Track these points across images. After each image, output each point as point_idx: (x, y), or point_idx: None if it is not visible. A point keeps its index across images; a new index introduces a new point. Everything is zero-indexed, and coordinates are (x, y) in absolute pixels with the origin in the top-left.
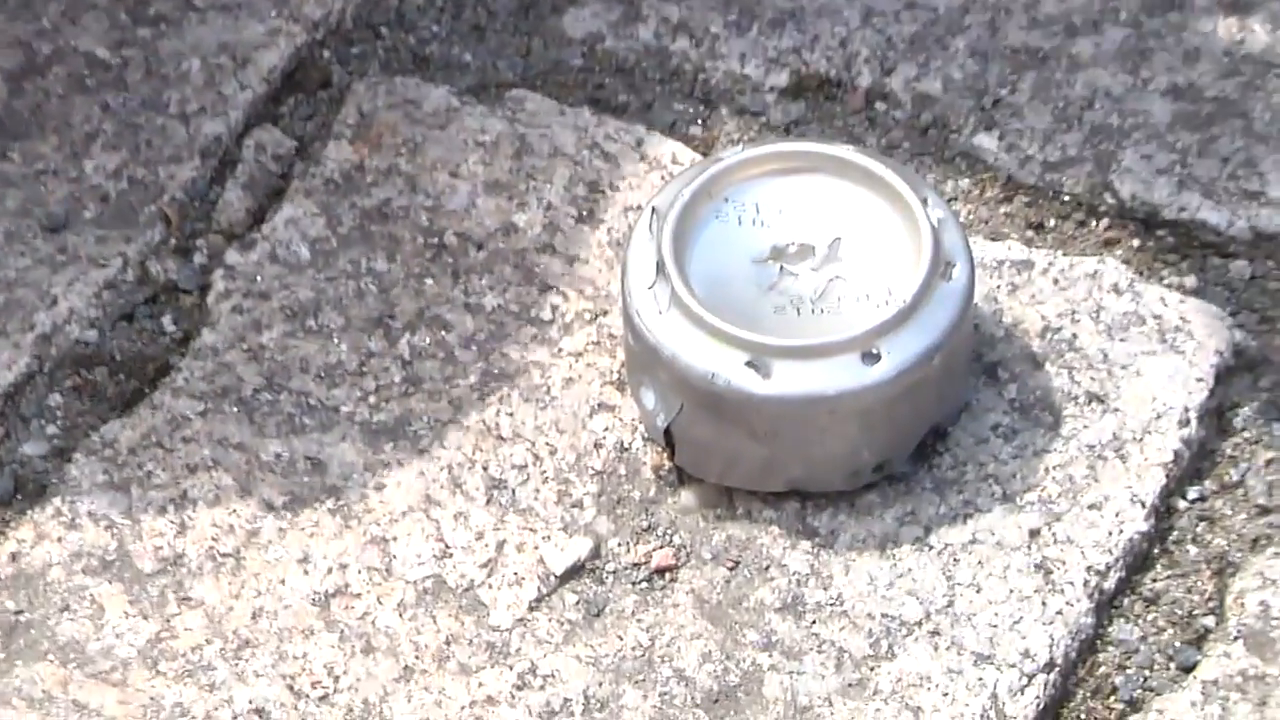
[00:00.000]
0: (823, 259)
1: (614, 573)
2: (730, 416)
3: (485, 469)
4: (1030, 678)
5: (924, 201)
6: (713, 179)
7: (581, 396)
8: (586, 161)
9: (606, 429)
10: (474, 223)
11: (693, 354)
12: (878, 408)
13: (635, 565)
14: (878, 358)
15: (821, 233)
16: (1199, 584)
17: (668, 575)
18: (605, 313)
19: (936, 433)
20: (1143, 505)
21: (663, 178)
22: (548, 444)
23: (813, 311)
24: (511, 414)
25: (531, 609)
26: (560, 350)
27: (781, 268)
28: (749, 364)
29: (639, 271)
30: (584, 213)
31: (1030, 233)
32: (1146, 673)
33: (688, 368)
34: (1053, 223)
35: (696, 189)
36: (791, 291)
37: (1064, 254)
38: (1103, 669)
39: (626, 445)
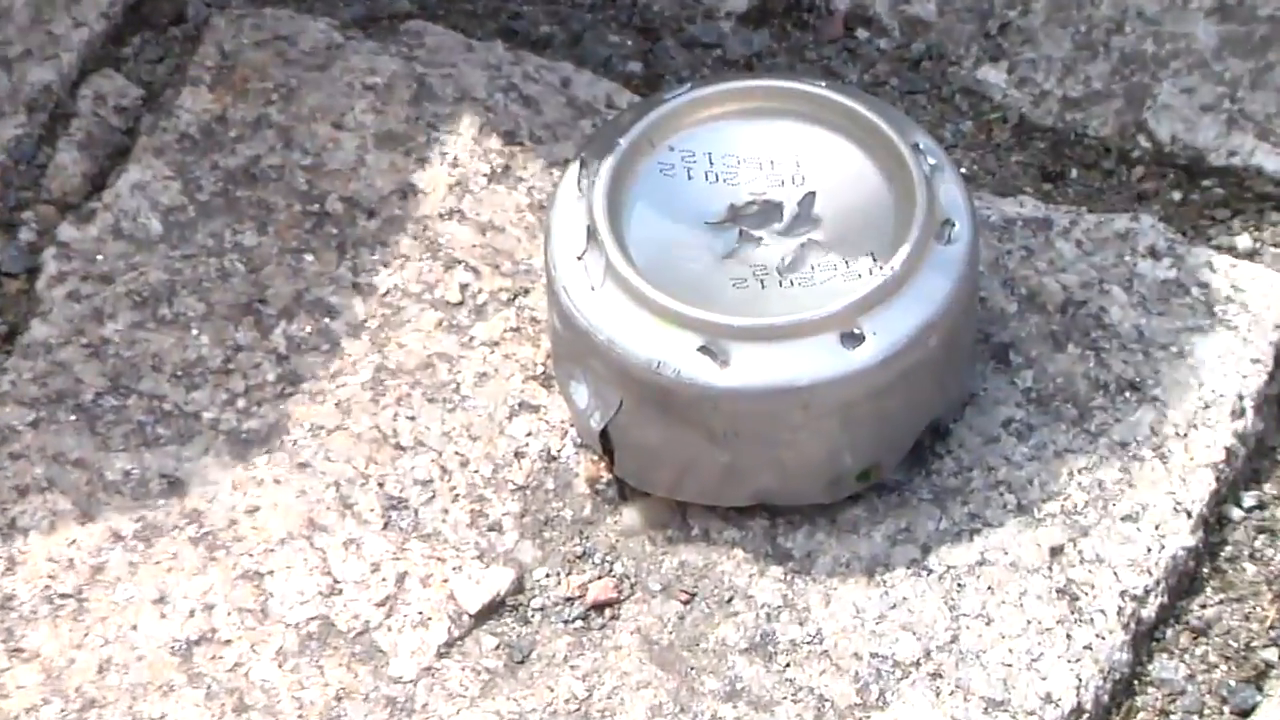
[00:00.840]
0: (792, 220)
1: (541, 609)
2: (681, 415)
3: (381, 485)
4: None
5: (916, 148)
6: (656, 125)
7: (498, 395)
8: (500, 107)
9: (530, 434)
10: (363, 184)
11: (634, 339)
12: (862, 401)
13: (568, 600)
14: (861, 339)
15: (790, 188)
16: (1258, 610)
17: (608, 611)
18: (526, 291)
19: (935, 431)
20: (1188, 515)
21: (595, 125)
22: (458, 454)
23: (780, 284)
24: (413, 418)
25: (440, 655)
26: (471, 339)
27: (741, 232)
28: (703, 349)
29: (566, 239)
30: (498, 170)
31: (1048, 185)
32: (1195, 718)
33: (628, 356)
34: (1075, 172)
35: (636, 137)
36: (754, 260)
37: (1089, 210)
38: (1141, 715)
39: (555, 453)
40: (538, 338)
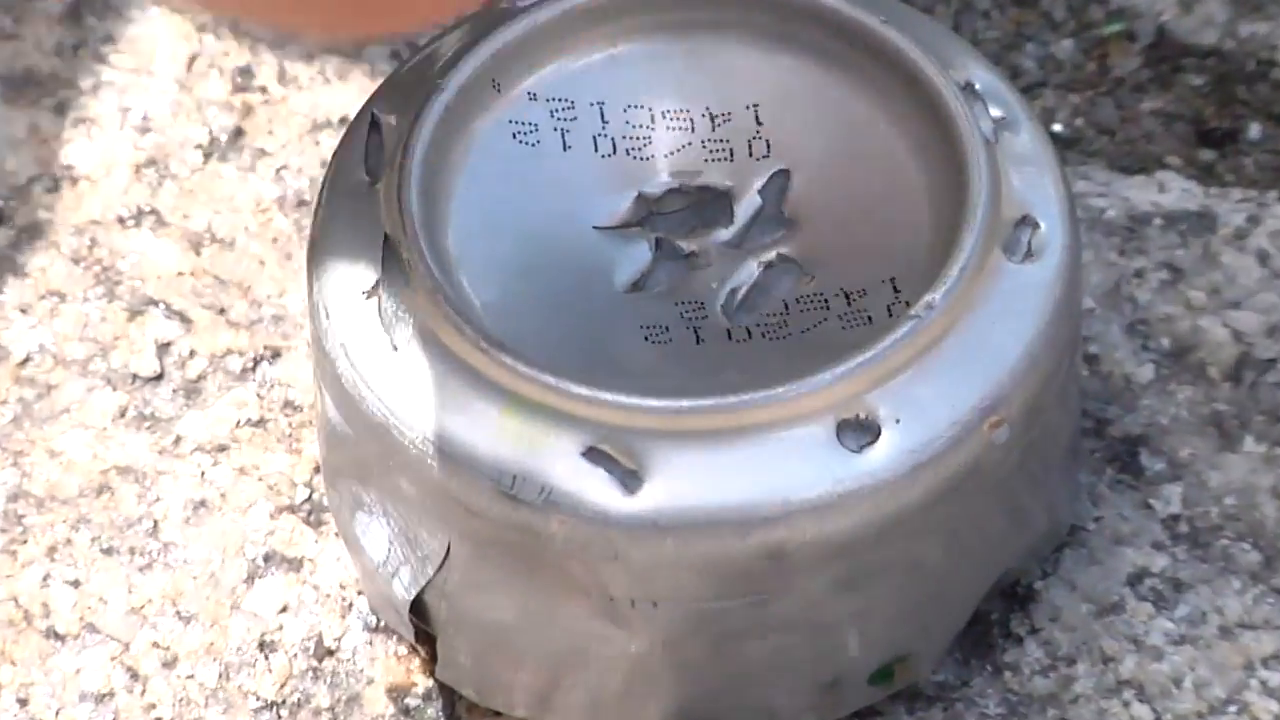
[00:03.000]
0: (750, 220)
1: None
2: (555, 572)
3: (23, 703)
4: None
5: (969, 90)
6: (503, 55)
7: (230, 540)
8: (226, 23)
9: (285, 609)
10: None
11: (467, 437)
12: (878, 542)
13: None
14: (874, 433)
15: (745, 163)
16: None
17: None
18: (275, 355)
19: (1011, 592)
20: None
21: (396, 56)
22: (157, 646)
23: (730, 336)
24: (76, 583)
25: None
26: (178, 441)
27: (659, 242)
28: (593, 455)
29: (346, 262)
30: (221, 136)
31: (1208, 152)
32: None
33: (458, 468)
34: (1256, 130)
35: (470, 77)
36: (683, 293)
37: (1279, 196)
38: None
39: (331, 645)
40: (298, 436)
